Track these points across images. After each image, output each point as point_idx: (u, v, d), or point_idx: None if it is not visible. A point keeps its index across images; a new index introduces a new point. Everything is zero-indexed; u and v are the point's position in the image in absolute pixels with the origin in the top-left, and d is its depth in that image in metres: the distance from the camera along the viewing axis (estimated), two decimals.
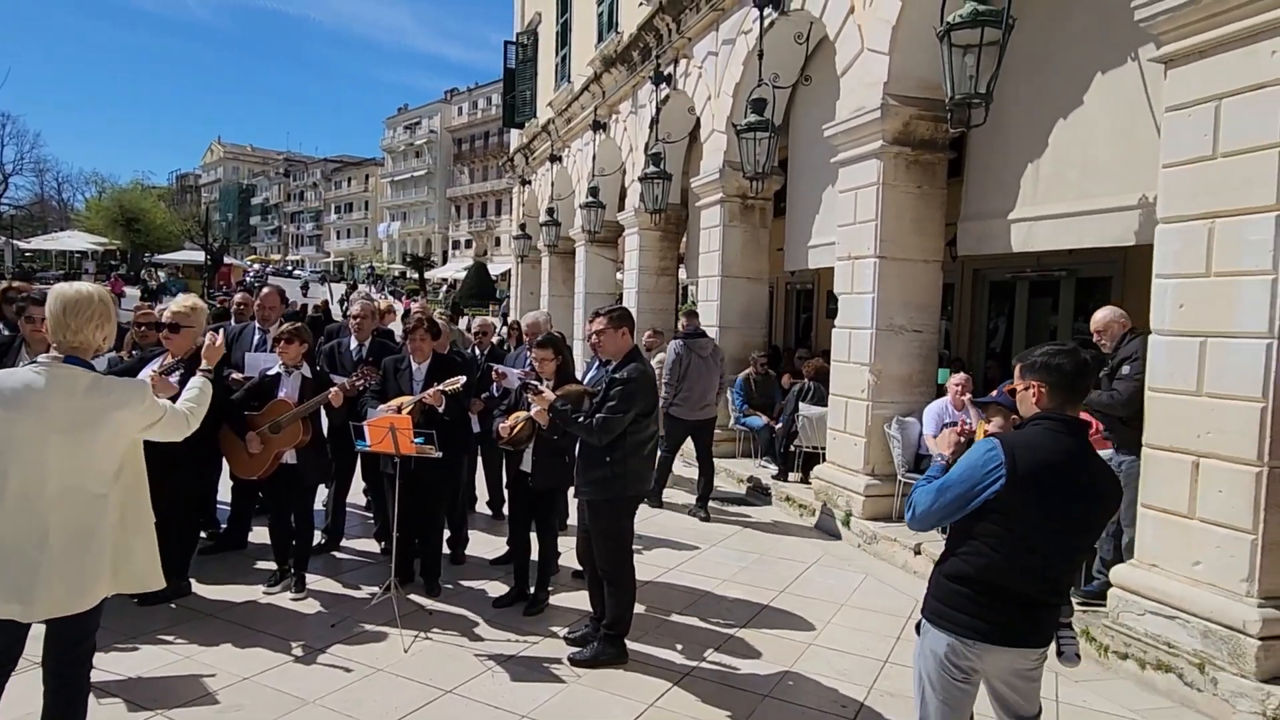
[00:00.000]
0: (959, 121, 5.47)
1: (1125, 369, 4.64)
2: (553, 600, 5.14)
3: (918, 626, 2.67)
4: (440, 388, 4.72)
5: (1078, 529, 2.48)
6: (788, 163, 9.47)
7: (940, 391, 6.73)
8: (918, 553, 6.07)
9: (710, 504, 7.72)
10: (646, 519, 7.33)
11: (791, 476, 8.36)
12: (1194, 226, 4.09)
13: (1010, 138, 6.11)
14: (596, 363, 5.12)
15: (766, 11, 8.16)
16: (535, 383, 4.48)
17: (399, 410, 4.65)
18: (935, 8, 5.36)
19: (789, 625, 5.01)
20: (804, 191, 8.98)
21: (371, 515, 6.55)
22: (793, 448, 8.32)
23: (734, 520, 7.59)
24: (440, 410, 4.76)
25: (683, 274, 13.86)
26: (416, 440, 4.45)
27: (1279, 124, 3.71)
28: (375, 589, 4.99)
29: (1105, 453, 4.72)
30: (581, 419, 4.19)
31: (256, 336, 5.87)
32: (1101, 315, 4.97)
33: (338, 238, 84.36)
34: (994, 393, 3.68)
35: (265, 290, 6.12)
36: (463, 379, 4.75)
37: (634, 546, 6.30)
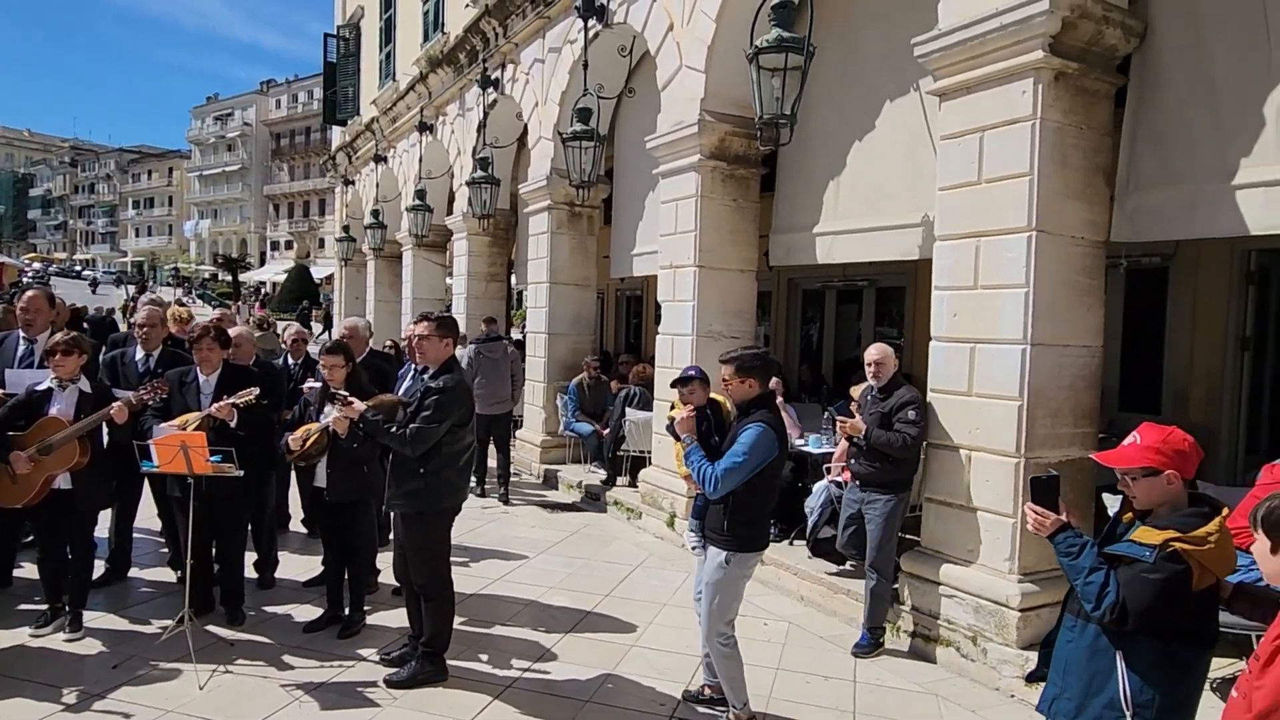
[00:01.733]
0: (768, 139, 5.78)
1: (911, 414, 4.66)
2: (371, 620, 4.93)
3: (726, 559, 3.61)
4: (231, 400, 4.40)
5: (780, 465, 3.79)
6: (614, 172, 9.63)
7: None
8: None
9: (540, 511, 7.73)
10: (473, 529, 7.21)
11: (620, 481, 8.49)
12: (964, 244, 4.56)
13: (814, 156, 6.54)
14: (413, 370, 4.98)
15: (591, 23, 8.27)
16: (344, 393, 4.29)
17: (184, 427, 4.29)
18: (746, 30, 5.65)
19: (613, 629, 5.08)
20: (629, 201, 9.18)
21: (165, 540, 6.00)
22: (620, 452, 8.46)
23: (563, 527, 7.61)
24: (232, 425, 4.44)
25: (515, 280, 13.76)
26: (213, 459, 4.13)
27: (1029, 156, 4.21)
28: (168, 622, 4.57)
29: (839, 484, 5.11)
30: (394, 429, 4.05)
31: (20, 347, 5.20)
32: (876, 352, 4.91)
33: (136, 235, 76.67)
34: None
35: (30, 293, 5.44)
36: (256, 390, 4.45)
37: (460, 558, 6.24)
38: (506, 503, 8.40)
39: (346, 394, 4.31)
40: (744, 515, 3.55)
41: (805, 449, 6.28)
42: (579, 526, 7.65)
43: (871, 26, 6.01)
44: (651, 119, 7.59)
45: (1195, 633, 2.25)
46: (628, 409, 8.34)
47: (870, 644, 4.74)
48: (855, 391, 5.46)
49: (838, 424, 4.83)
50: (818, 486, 5.84)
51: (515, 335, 13.77)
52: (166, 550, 5.76)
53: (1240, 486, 4.49)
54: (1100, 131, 4.43)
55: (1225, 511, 2.24)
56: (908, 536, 5.11)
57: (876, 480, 4.80)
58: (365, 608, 4.93)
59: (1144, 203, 4.45)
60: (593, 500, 8.52)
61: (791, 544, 6.25)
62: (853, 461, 4.92)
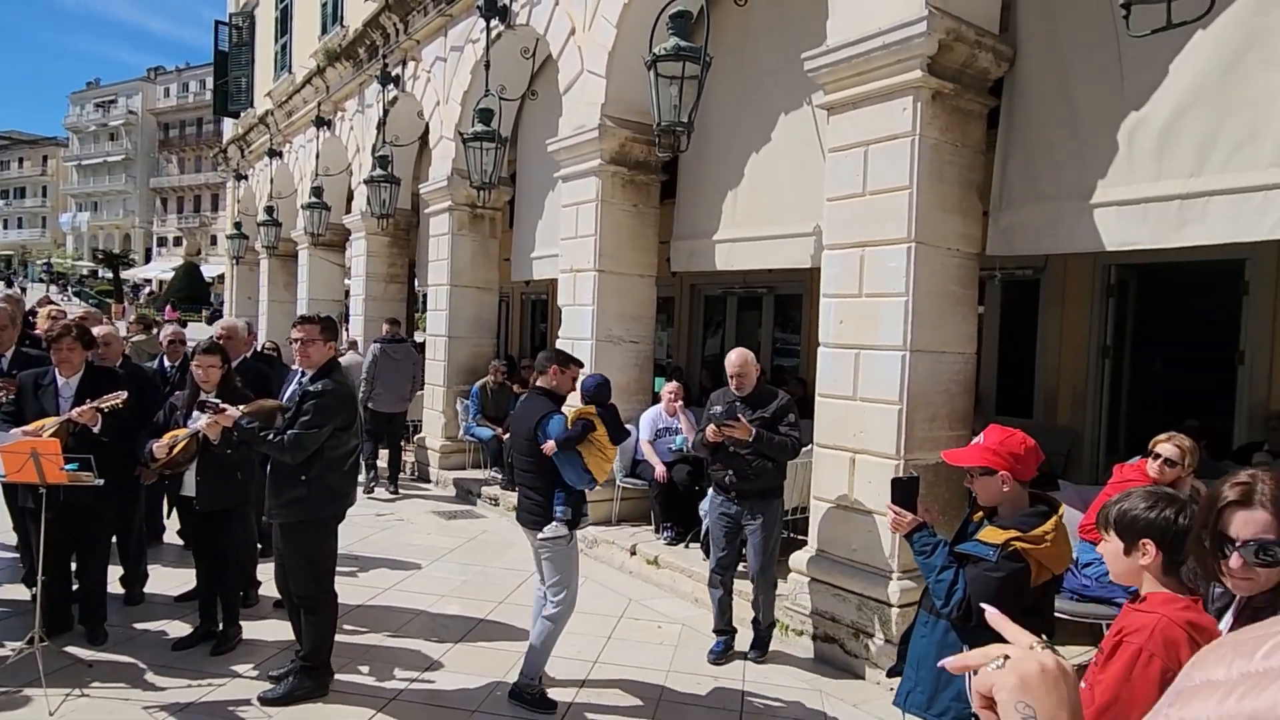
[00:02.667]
0: (667, 146, 5.83)
1: (793, 418, 4.63)
2: (249, 634, 4.70)
3: (567, 539, 4.02)
4: (95, 404, 4.12)
5: None
6: (516, 174, 9.54)
7: (657, 399, 7.13)
8: (633, 553, 6.37)
9: (437, 517, 7.57)
10: (365, 537, 7.00)
11: None
12: (850, 254, 4.71)
13: (714, 165, 6.65)
14: (298, 375, 4.78)
15: (493, 23, 8.18)
16: (215, 400, 4.08)
17: (39, 433, 3.99)
18: (646, 37, 5.69)
19: (506, 636, 5.00)
20: (531, 203, 9.11)
21: (19, 555, 5.56)
22: None
23: (460, 533, 7.46)
24: (95, 430, 4.16)
25: (417, 281, 13.44)
26: (68, 467, 3.85)
27: (909, 170, 4.40)
28: (19, 644, 4.22)
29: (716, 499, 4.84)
30: (272, 436, 3.88)
31: None
32: (737, 361, 4.70)
33: (5, 227, 71.18)
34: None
35: None
36: (124, 394, 4.18)
37: (349, 568, 6.04)
38: (396, 494, 8.84)
39: (219, 400, 4.11)
40: (579, 495, 4.07)
41: (700, 454, 6.34)
42: (476, 533, 7.51)
43: (768, 40, 6.16)
44: (554, 122, 7.55)
45: (1034, 626, 2.38)
46: None
47: (760, 654, 4.73)
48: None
49: (724, 426, 4.47)
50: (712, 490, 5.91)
51: (419, 338, 13.45)
52: (23, 564, 5.34)
53: (1099, 485, 4.80)
54: (975, 149, 4.67)
55: (1062, 510, 2.39)
56: (797, 537, 5.25)
57: (755, 490, 4.62)
58: (242, 622, 4.70)
59: (1014, 218, 4.71)
60: (492, 505, 8.39)
61: (687, 547, 6.32)
62: (728, 477, 4.65)
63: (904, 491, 2.62)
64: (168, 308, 34.20)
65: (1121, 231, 4.21)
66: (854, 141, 4.69)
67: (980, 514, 2.55)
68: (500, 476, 8.76)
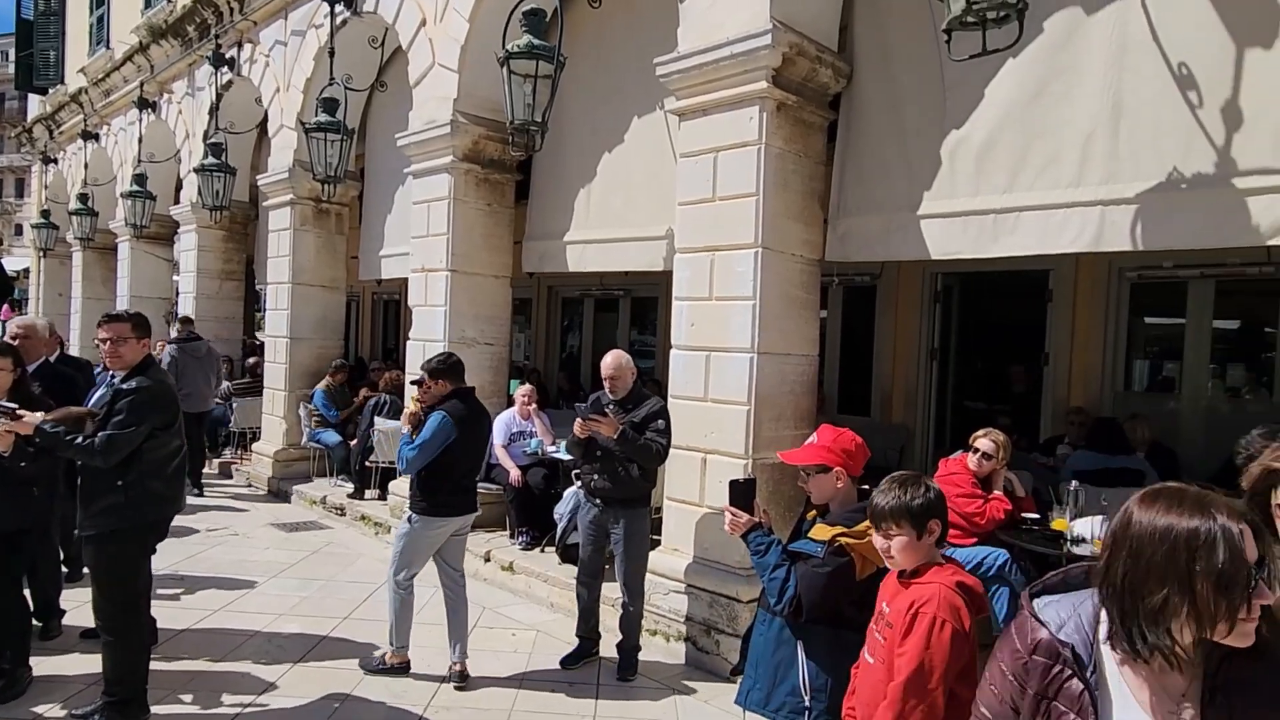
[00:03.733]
0: (521, 145, 5.75)
1: (662, 423, 4.49)
2: (53, 670, 4.21)
3: (409, 519, 4.36)
4: None
5: (476, 443, 4.47)
6: (365, 169, 9.14)
7: (511, 402, 7.01)
8: (487, 560, 6.23)
9: (276, 530, 7.12)
10: (194, 555, 6.48)
11: (369, 494, 8.03)
12: (700, 258, 4.81)
13: (568, 165, 6.61)
14: (109, 378, 4.32)
15: (338, 9, 7.78)
16: (11, 405, 3.63)
17: None
18: (500, 33, 5.59)
19: (351, 652, 4.75)
20: (380, 199, 8.74)
21: None
22: (370, 463, 8.00)
23: (302, 546, 7.03)
24: None
25: (257, 279, 12.58)
26: None
27: (755, 177, 4.54)
28: None
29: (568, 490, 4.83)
30: (81, 440, 3.50)
31: None
32: (612, 364, 4.59)
33: None
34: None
35: None
36: None
37: (171, 590, 5.56)
38: (201, 495, 8.58)
39: (15, 406, 3.65)
40: (428, 486, 4.28)
41: (557, 455, 6.30)
42: (320, 545, 7.11)
43: (622, 43, 6.19)
44: (405, 115, 7.28)
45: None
46: (377, 418, 7.91)
47: (631, 666, 4.56)
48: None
49: (589, 421, 4.36)
50: (568, 493, 5.88)
51: (261, 338, 12.60)
52: None
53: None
54: (816, 160, 4.89)
55: None
56: (654, 537, 5.29)
57: (620, 497, 4.49)
58: (46, 656, 4.20)
59: (851, 227, 4.96)
60: (336, 515, 7.97)
61: (543, 551, 6.25)
62: (594, 480, 4.57)
63: (741, 493, 2.68)
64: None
65: (945, 242, 4.52)
66: (704, 148, 4.79)
67: (814, 513, 2.65)
68: (347, 485, 8.35)
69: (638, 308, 10.10)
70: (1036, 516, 4.56)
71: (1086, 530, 4.14)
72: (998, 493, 4.44)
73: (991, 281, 7.23)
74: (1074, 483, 4.37)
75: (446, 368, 4.41)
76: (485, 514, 6.85)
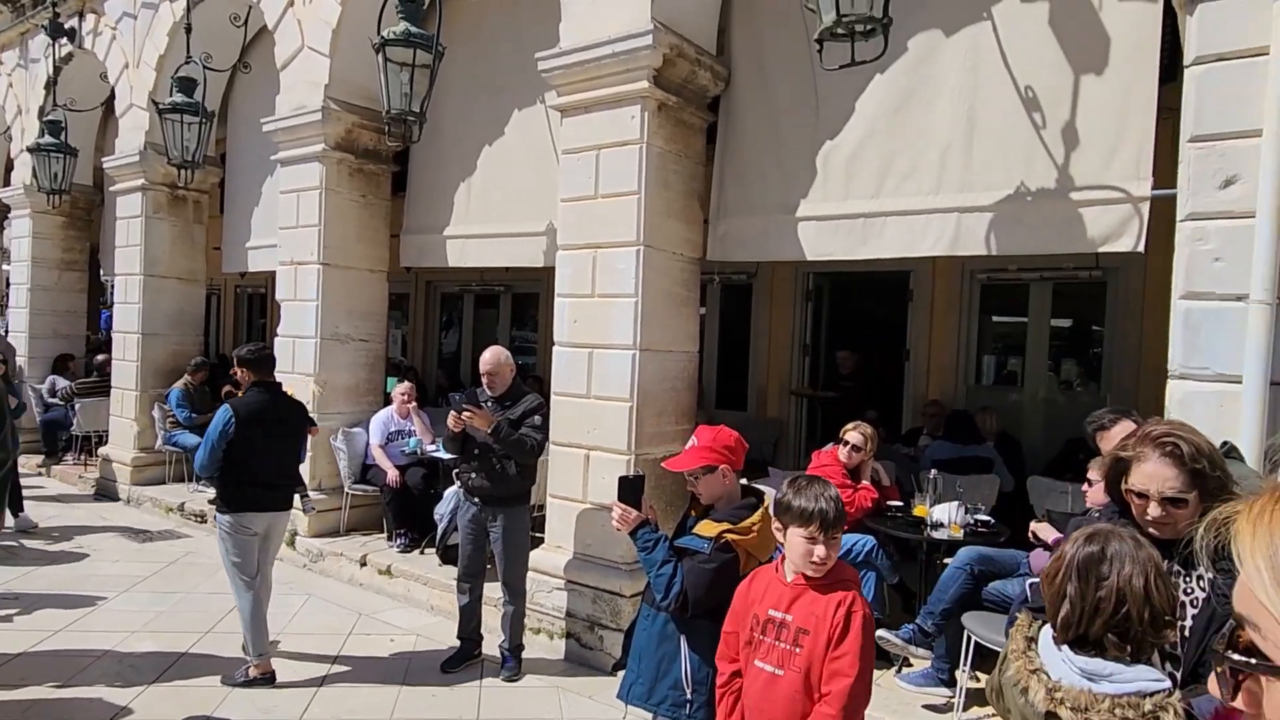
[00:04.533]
0: (397, 136, 5.58)
1: (538, 419, 4.46)
2: None
3: (216, 517, 4.36)
4: None
5: (282, 437, 4.38)
6: (227, 154, 8.60)
7: (388, 400, 6.79)
8: (364, 564, 6.02)
9: (127, 541, 6.63)
10: (30, 572, 5.93)
11: None
12: (582, 255, 4.82)
13: (448, 158, 6.47)
14: None
15: None
16: None
17: None
18: (374, 17, 5.39)
19: (212, 669, 4.47)
20: (244, 187, 8.24)
21: None
22: None
23: (158, 557, 6.56)
24: None
25: (103, 270, 11.60)
26: None
27: (637, 176, 4.59)
28: None
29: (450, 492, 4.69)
30: None
31: None
32: (491, 356, 4.52)
33: None
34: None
35: None
36: None
37: (5, 610, 5.08)
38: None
39: None
40: (226, 481, 4.24)
41: (437, 454, 6.15)
42: (178, 555, 6.66)
43: (504, 35, 6.11)
44: (272, 99, 6.90)
45: None
46: None
47: (515, 666, 4.51)
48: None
49: (466, 412, 4.26)
50: (448, 493, 5.76)
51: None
52: None
53: (801, 469, 5.34)
54: (696, 160, 4.99)
55: (768, 503, 2.62)
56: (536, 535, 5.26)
57: (499, 495, 4.44)
58: None
59: (730, 227, 5.10)
60: (198, 523, 7.48)
61: (422, 553, 6.09)
62: (471, 478, 4.52)
63: (630, 489, 2.70)
64: None
65: (819, 244, 4.72)
66: (586, 145, 4.80)
67: (696, 509, 2.71)
68: (208, 490, 7.83)
69: (519, 304, 10.01)
70: (900, 504, 4.85)
71: (944, 516, 4.44)
72: (866, 482, 4.69)
73: (859, 282, 7.61)
74: (933, 471, 4.67)
75: (254, 359, 4.40)
76: (361, 517, 6.66)
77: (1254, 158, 2.92)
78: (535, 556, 4.99)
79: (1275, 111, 2.84)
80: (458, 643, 4.67)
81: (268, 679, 4.27)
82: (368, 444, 6.49)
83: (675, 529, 2.75)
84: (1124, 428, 3.01)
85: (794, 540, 2.15)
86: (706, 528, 2.52)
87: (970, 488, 4.97)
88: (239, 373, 4.45)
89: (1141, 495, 1.82)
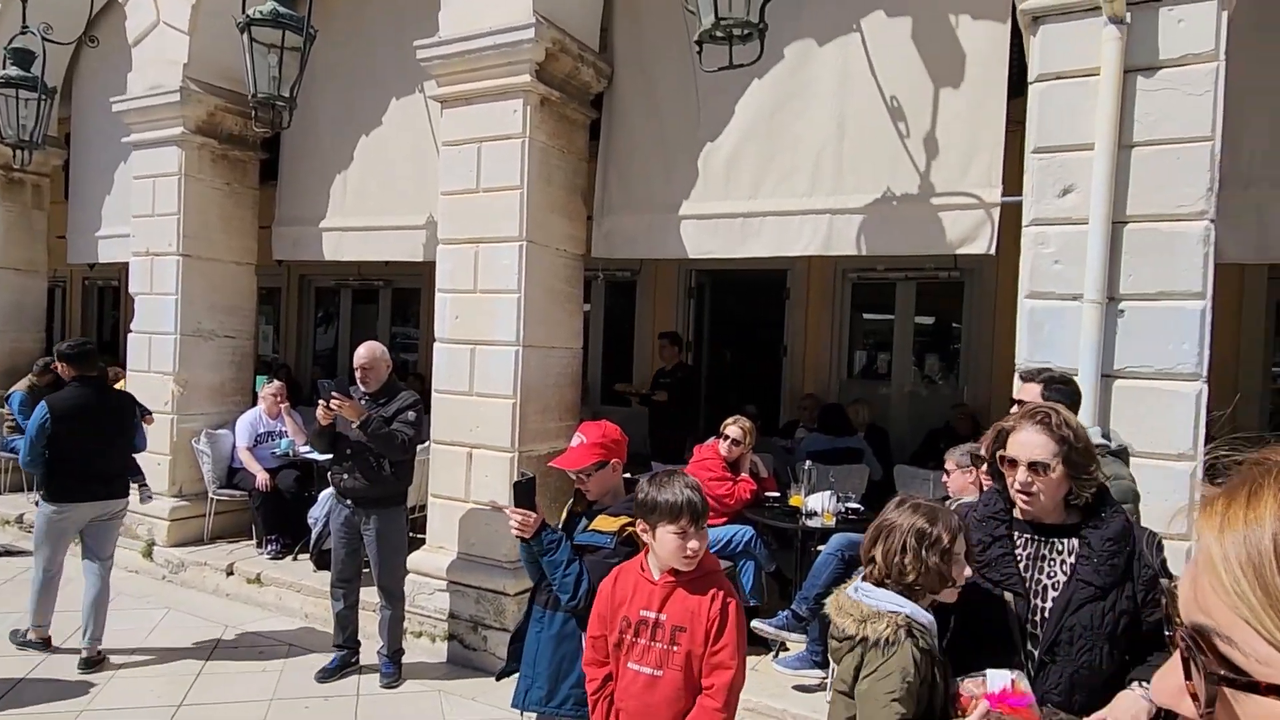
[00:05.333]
0: (265, 122, 5.30)
1: (411, 415, 4.28)
2: None
3: (39, 505, 4.54)
4: None
5: (106, 433, 4.46)
6: (72, 135, 7.92)
7: (257, 400, 6.44)
8: (231, 573, 5.70)
9: None
10: None
11: None
12: (464, 249, 4.73)
13: (322, 146, 6.18)
14: None
15: None
16: None
17: None
18: None
19: (55, 695, 4.12)
20: (93, 172, 7.61)
21: None
22: None
23: None
24: None
25: None
26: None
27: (519, 170, 4.55)
28: None
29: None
30: None
31: None
32: (366, 352, 4.33)
33: None
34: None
35: None
36: None
37: None
38: None
39: None
40: (49, 471, 4.32)
41: (310, 455, 5.88)
42: (14, 573, 6.08)
43: (384, 21, 5.89)
44: (124, 77, 6.40)
45: None
46: None
47: (394, 672, 4.38)
48: None
49: (334, 401, 4.05)
50: (323, 495, 5.52)
51: None
52: None
53: (684, 463, 5.44)
54: (579, 156, 4.99)
55: None
56: (418, 536, 5.14)
57: (373, 496, 4.27)
58: None
59: (614, 224, 5.13)
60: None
61: (296, 559, 5.82)
62: (344, 479, 4.29)
63: (524, 493, 2.62)
64: None
65: (700, 242, 4.82)
66: (468, 137, 4.72)
67: (580, 505, 2.70)
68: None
69: (400, 299, 9.71)
70: (777, 495, 5.02)
71: (818, 505, 4.63)
72: (745, 475, 4.83)
73: (739, 280, 7.83)
74: (808, 463, 4.86)
75: (72, 354, 4.45)
76: (228, 523, 6.30)
77: (1088, 168, 3.20)
78: (416, 558, 4.87)
79: (1105, 127, 3.12)
80: (334, 651, 4.50)
81: (44, 644, 4.58)
82: (234, 446, 6.14)
83: (561, 526, 2.73)
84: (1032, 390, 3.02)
85: (665, 538, 2.15)
86: (605, 523, 2.50)
87: (842, 478, 5.21)
88: (59, 368, 4.51)
89: (1013, 463, 1.93)
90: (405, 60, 5.46)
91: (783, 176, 4.55)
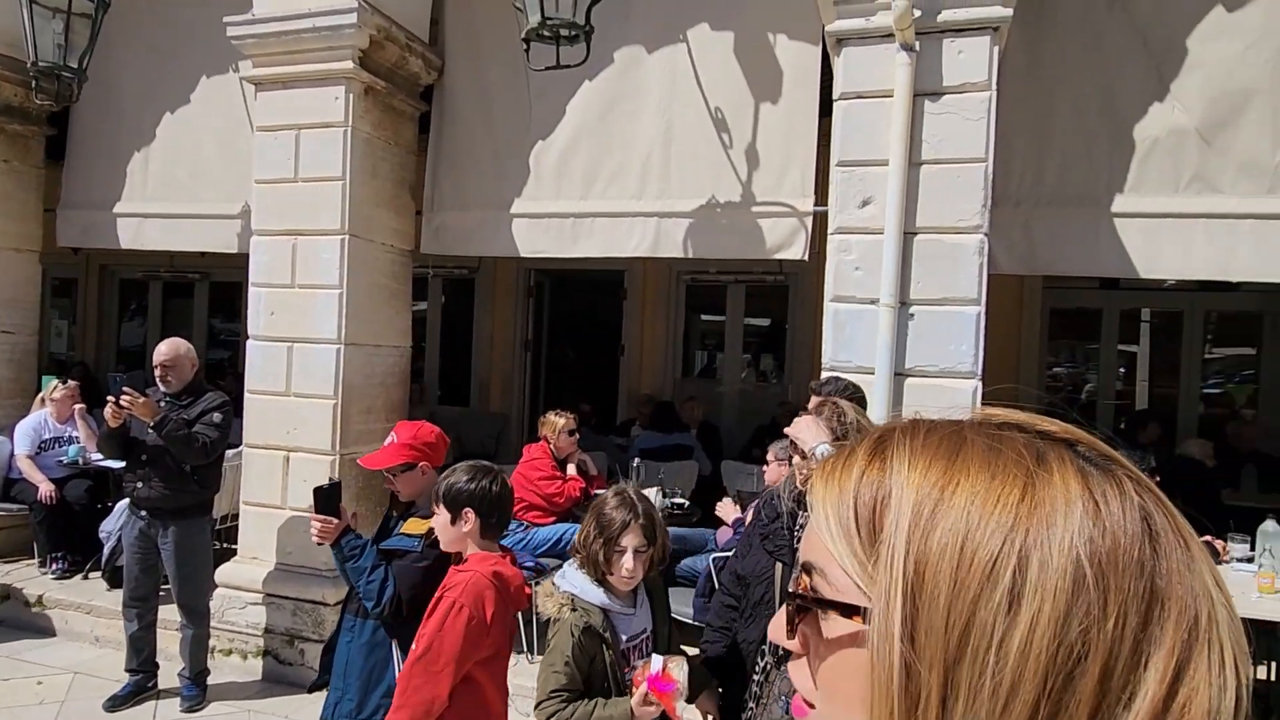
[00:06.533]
0: (49, 94, 4.78)
1: (217, 417, 4.01)
2: None
3: None
4: None
5: None
6: None
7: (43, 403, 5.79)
8: (6, 598, 5.09)
9: None
10: None
11: None
12: (281, 241, 4.47)
13: (119, 123, 5.63)
14: None
15: None
16: None
17: None
18: None
19: None
20: None
21: None
22: None
23: None
24: None
25: None
26: None
27: (342, 160, 4.35)
28: None
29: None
30: None
31: None
32: (167, 351, 4.06)
33: None
34: None
35: None
36: None
37: None
38: None
39: None
40: None
41: (103, 463, 5.35)
42: None
43: None
44: None
45: None
46: None
47: (197, 695, 4.08)
48: None
49: (124, 399, 3.75)
50: (118, 506, 5.05)
51: None
52: None
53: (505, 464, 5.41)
54: (407, 149, 4.85)
55: None
56: (229, 546, 4.80)
57: (171, 507, 3.96)
58: None
59: (445, 220, 5.01)
60: None
61: (86, 578, 5.29)
62: (138, 488, 3.97)
63: (326, 499, 2.52)
64: None
65: (532, 241, 4.80)
66: (285, 123, 4.46)
67: (398, 508, 2.63)
68: None
69: (218, 293, 9.04)
70: None
71: None
72: (574, 473, 4.87)
73: (578, 279, 7.88)
74: (636, 460, 4.97)
75: None
76: (5, 541, 5.63)
77: (884, 182, 3.46)
78: (226, 571, 4.56)
79: (897, 145, 3.39)
80: (127, 676, 4.12)
81: None
82: (11, 454, 5.49)
83: (378, 530, 2.65)
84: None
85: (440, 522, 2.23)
86: (415, 525, 2.45)
87: (672, 474, 5.36)
88: None
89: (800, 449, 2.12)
90: (215, 34, 5.08)
91: (613, 178, 4.61)
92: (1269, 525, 3.65)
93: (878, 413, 3.33)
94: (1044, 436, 0.49)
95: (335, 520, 2.51)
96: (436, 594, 2.07)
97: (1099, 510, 0.44)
